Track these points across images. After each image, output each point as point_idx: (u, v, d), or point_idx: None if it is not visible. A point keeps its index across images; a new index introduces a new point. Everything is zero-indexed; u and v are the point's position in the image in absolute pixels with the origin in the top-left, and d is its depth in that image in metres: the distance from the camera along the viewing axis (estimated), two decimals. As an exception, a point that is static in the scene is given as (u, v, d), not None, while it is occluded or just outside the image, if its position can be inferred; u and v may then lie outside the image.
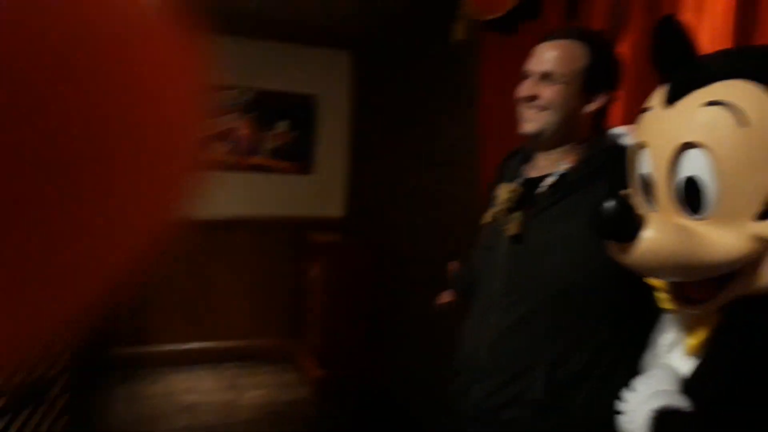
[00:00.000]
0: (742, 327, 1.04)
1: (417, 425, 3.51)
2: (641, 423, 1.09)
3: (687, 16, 1.74)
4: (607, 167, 1.35)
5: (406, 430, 3.59)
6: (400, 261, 3.90)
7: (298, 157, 4.78)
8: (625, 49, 1.90)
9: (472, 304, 1.62)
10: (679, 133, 1.03)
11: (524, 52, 2.29)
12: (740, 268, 1.01)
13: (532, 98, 1.43)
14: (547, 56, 1.43)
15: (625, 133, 1.42)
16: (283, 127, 4.74)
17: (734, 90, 0.99)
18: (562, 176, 1.43)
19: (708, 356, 1.08)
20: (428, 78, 3.51)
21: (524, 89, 1.46)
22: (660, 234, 1.03)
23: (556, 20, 2.13)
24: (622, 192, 1.15)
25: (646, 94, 1.81)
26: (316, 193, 4.82)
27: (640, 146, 1.14)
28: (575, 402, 1.37)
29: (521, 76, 1.50)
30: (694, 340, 1.12)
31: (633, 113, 1.76)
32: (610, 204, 1.06)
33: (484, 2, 2.38)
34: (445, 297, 1.91)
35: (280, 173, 4.73)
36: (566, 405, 1.38)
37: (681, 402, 1.07)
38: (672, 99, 1.06)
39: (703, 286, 1.06)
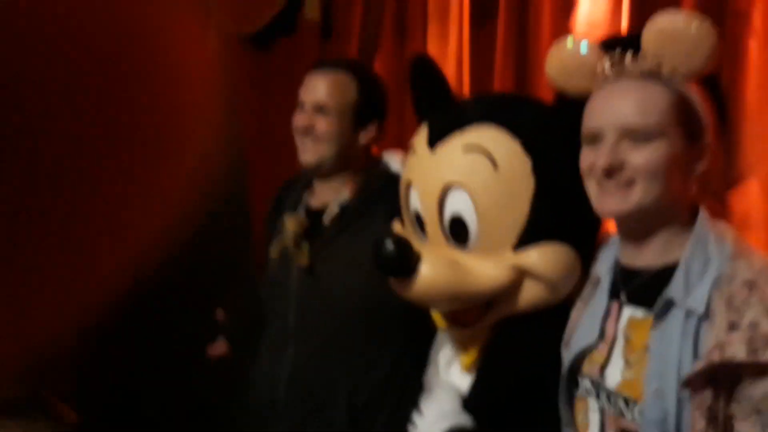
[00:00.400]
0: (508, 344, 1.18)
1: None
2: None
3: (432, 45, 1.91)
4: (384, 193, 1.43)
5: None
6: (157, 301, 3.68)
7: None
8: (379, 69, 2.02)
9: (260, 344, 1.60)
10: (443, 176, 1.13)
11: (279, 66, 2.31)
12: (503, 293, 1.13)
13: (308, 130, 1.45)
14: (319, 88, 1.46)
15: (395, 158, 1.51)
16: None
17: (486, 135, 1.11)
18: (344, 206, 1.48)
19: (481, 373, 1.20)
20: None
21: (300, 120, 1.47)
22: (434, 270, 1.12)
23: (312, 39, 2.18)
24: (397, 229, 1.23)
25: (400, 112, 1.96)
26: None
27: (409, 185, 1.22)
28: (377, 422, 1.43)
29: (297, 105, 1.51)
30: (468, 358, 1.23)
31: (391, 131, 1.90)
32: (388, 243, 1.12)
33: (237, 17, 2.34)
34: (219, 348, 1.84)
35: None
36: (369, 428, 1.43)
37: (465, 420, 1.18)
38: (433, 142, 1.16)
39: (471, 310, 1.17)
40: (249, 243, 2.64)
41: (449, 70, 1.92)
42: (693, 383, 0.84)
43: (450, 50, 1.90)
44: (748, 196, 1.38)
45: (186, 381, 3.02)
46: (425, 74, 1.24)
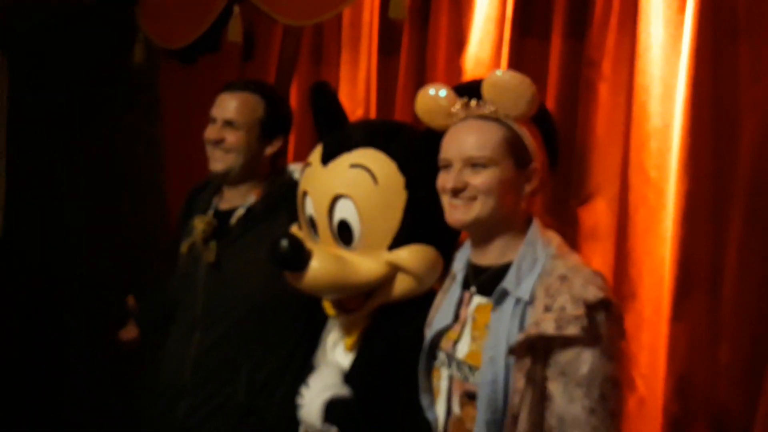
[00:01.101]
0: (383, 326, 1.40)
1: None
2: (316, 413, 1.37)
3: (344, 70, 2.12)
4: (286, 199, 1.63)
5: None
6: (71, 286, 3.69)
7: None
8: (296, 91, 2.21)
9: (169, 329, 1.75)
10: (333, 187, 1.36)
11: (204, 82, 2.47)
12: (380, 284, 1.35)
13: (219, 142, 1.64)
14: (229, 105, 1.66)
15: (298, 169, 1.71)
16: None
17: (368, 156, 1.36)
18: (249, 209, 1.66)
19: (360, 351, 1.41)
20: (105, 93, 3.42)
21: (211, 133, 1.66)
22: (323, 264, 1.34)
23: (234, 55, 2.34)
24: (292, 230, 1.43)
25: (311, 129, 2.16)
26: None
27: (305, 194, 1.43)
28: (274, 401, 1.61)
29: (210, 120, 1.68)
30: (350, 339, 1.46)
31: (301, 144, 2.10)
32: (283, 241, 1.33)
33: (164, 34, 2.49)
34: (130, 332, 1.96)
35: None
36: (266, 406, 1.61)
37: (345, 392, 1.38)
38: (326, 159, 1.39)
39: (355, 298, 1.40)
40: (162, 236, 2.77)
41: (359, 94, 2.13)
42: (516, 351, 1.08)
43: (360, 76, 2.10)
44: (596, 212, 1.63)
45: (99, 366, 3.11)
46: (323, 99, 1.47)
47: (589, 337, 1.06)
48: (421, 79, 1.97)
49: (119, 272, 3.27)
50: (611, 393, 1.09)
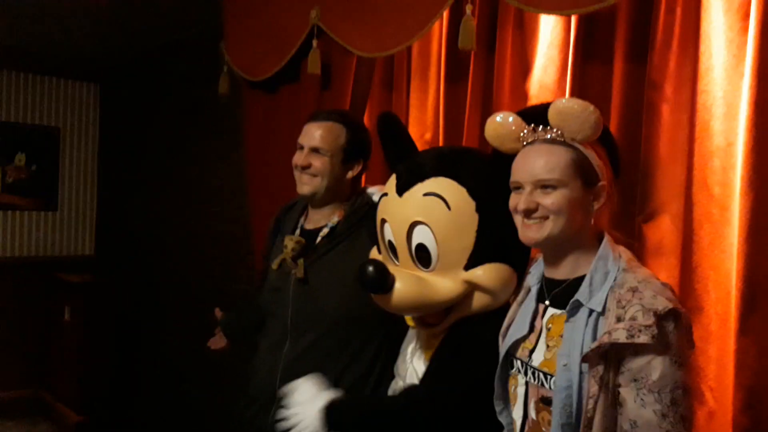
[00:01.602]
0: (460, 335, 1.50)
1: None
2: (315, 421, 1.45)
3: (414, 98, 2.24)
4: (366, 218, 1.75)
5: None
6: (162, 300, 3.93)
7: (38, 192, 4.53)
8: (369, 117, 2.35)
9: (259, 340, 1.90)
10: (410, 215, 1.48)
11: (284, 109, 2.64)
12: (458, 301, 1.45)
13: (307, 167, 1.79)
14: (315, 134, 1.80)
15: (376, 191, 1.83)
16: (19, 161, 4.45)
17: (440, 184, 1.47)
18: (333, 229, 1.80)
19: (436, 355, 1.51)
20: (194, 119, 3.66)
21: (299, 159, 1.81)
22: (406, 285, 1.46)
23: (312, 85, 2.50)
24: (375, 255, 1.55)
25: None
26: (63, 231, 4.60)
27: (383, 221, 1.54)
28: None
29: (298, 147, 1.84)
30: (429, 350, 1.55)
31: (379, 168, 2.22)
32: (370, 267, 1.45)
33: (247, 66, 2.68)
34: (218, 342, 2.13)
35: (19, 210, 4.43)
36: None
37: (336, 395, 1.49)
38: (401, 190, 1.51)
39: (435, 315, 1.51)
40: (246, 253, 2.94)
41: (428, 119, 2.24)
42: (590, 359, 1.16)
43: (429, 103, 2.22)
44: (661, 228, 1.67)
45: (186, 376, 3.30)
46: (391, 130, 1.59)
47: (659, 345, 1.13)
48: (487, 105, 2.06)
49: (208, 285, 3.49)
50: (682, 398, 1.15)
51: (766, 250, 1.48)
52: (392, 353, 1.72)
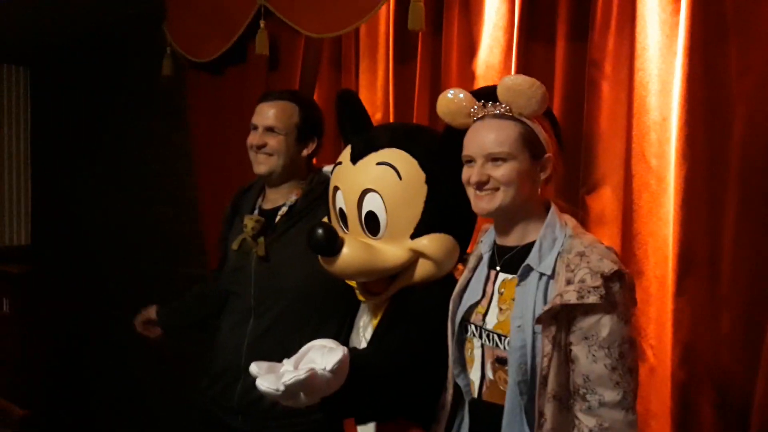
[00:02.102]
0: (403, 305, 1.55)
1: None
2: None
3: (363, 78, 2.27)
4: (323, 197, 1.78)
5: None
6: (105, 287, 3.85)
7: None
8: (318, 97, 2.36)
9: (222, 321, 1.91)
10: (362, 183, 1.52)
11: (231, 91, 2.62)
12: (402, 270, 1.52)
13: (262, 146, 1.80)
14: (269, 113, 1.82)
15: (331, 170, 1.86)
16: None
17: (393, 155, 1.51)
18: (291, 207, 1.82)
19: (380, 323, 1.57)
20: (133, 101, 3.57)
21: (255, 139, 1.81)
22: (353, 250, 1.50)
23: (260, 65, 2.49)
24: (328, 223, 1.59)
25: (336, 132, 2.29)
26: (-7, 220, 4.42)
27: (336, 189, 1.58)
28: None
29: (251, 127, 1.84)
30: (375, 320, 1.61)
31: (328, 147, 2.24)
32: (319, 230, 1.48)
33: (192, 48, 2.64)
34: (150, 329, 2.16)
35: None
36: None
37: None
38: (355, 159, 1.54)
39: (379, 283, 1.57)
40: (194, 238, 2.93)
41: (377, 99, 2.27)
42: (543, 320, 1.23)
43: (378, 83, 2.25)
44: (603, 199, 1.76)
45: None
46: (348, 105, 1.62)
47: (607, 305, 1.21)
48: (435, 84, 2.11)
49: (152, 269, 3.43)
50: (628, 352, 1.24)
51: (700, 217, 1.60)
52: (347, 328, 1.77)
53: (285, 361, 1.13)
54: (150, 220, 3.47)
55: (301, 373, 1.06)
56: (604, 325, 1.22)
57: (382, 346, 1.48)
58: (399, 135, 1.58)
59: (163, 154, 3.37)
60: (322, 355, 1.13)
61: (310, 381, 1.08)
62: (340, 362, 1.12)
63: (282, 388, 1.05)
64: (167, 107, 3.26)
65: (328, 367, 1.10)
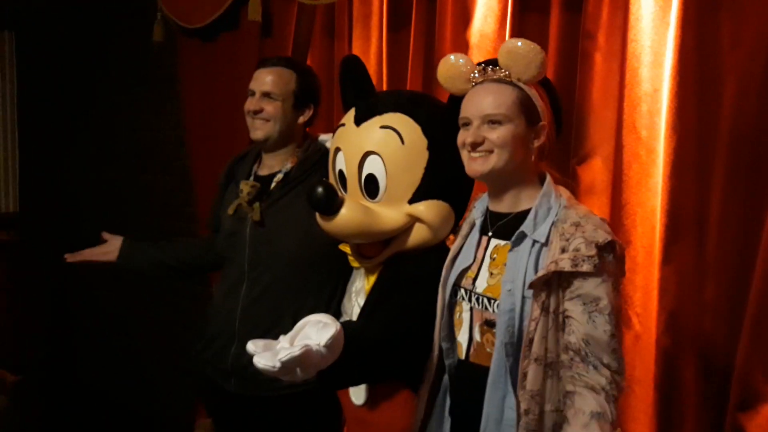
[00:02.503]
0: (396, 270, 1.57)
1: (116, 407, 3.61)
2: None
3: (356, 46, 2.26)
4: (319, 164, 1.79)
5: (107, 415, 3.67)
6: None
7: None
8: (311, 65, 2.35)
9: (219, 283, 1.93)
10: (364, 145, 1.52)
11: (223, 57, 2.60)
12: (397, 235, 1.53)
13: (259, 112, 1.80)
14: (266, 79, 1.82)
15: (328, 139, 1.87)
16: None
17: (397, 119, 1.52)
18: (287, 174, 1.83)
19: (374, 289, 1.59)
20: (123, 68, 3.53)
21: (251, 104, 1.82)
22: (352, 211, 1.51)
23: (252, 32, 2.47)
24: (328, 181, 1.60)
25: (329, 100, 2.30)
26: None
27: (337, 150, 1.59)
28: None
29: (249, 93, 1.84)
30: (368, 284, 1.63)
31: (321, 115, 2.24)
32: (319, 188, 1.50)
33: (183, 13, 2.61)
34: (99, 253, 2.05)
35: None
36: None
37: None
38: (359, 121, 1.55)
39: (374, 246, 1.58)
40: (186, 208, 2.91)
41: (371, 67, 2.25)
42: (535, 285, 1.26)
43: (372, 51, 2.24)
44: (593, 169, 1.79)
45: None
46: (354, 71, 1.62)
47: (601, 273, 1.24)
48: (429, 53, 2.12)
49: (143, 238, 3.42)
50: (619, 321, 1.28)
51: (687, 188, 1.63)
52: (341, 292, 1.79)
53: (281, 337, 1.15)
54: (141, 188, 3.46)
55: (296, 350, 1.08)
56: (601, 292, 1.25)
57: (377, 317, 1.50)
58: (404, 101, 1.58)
59: (153, 121, 3.35)
60: (317, 331, 1.15)
61: (306, 356, 1.10)
62: (334, 337, 1.14)
63: (278, 365, 1.08)
64: (158, 73, 3.23)
65: (323, 342, 1.13)
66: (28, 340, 3.97)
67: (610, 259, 1.27)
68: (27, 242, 4.13)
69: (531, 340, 1.27)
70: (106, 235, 2.10)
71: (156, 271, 2.09)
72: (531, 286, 1.27)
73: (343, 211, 1.51)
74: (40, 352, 4.00)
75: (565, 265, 1.24)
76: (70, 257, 2.04)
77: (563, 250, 1.26)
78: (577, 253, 1.24)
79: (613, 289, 1.27)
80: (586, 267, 1.23)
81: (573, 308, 1.26)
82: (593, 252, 1.23)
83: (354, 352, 1.25)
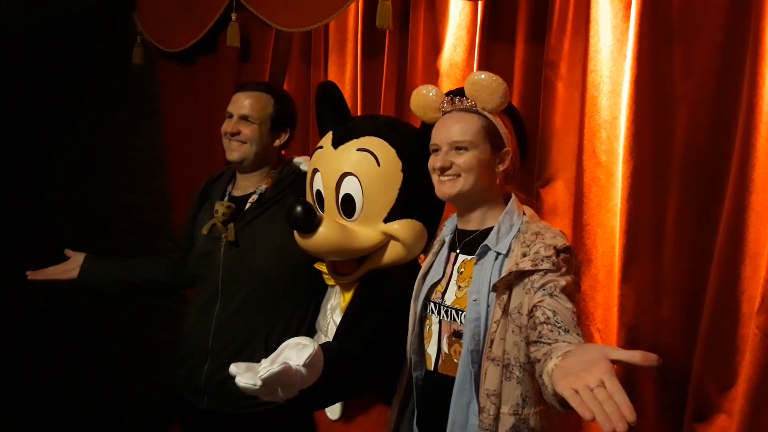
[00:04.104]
0: (369, 290, 1.64)
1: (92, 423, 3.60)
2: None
3: (331, 72, 2.34)
4: (294, 185, 1.85)
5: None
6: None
7: None
8: (288, 90, 2.42)
9: (190, 305, 1.96)
10: (342, 166, 1.60)
11: (202, 81, 2.66)
12: (372, 252, 1.61)
13: (236, 134, 1.86)
14: (244, 102, 1.88)
15: (302, 162, 1.93)
16: None
17: (373, 143, 1.60)
18: (261, 195, 1.88)
19: (349, 308, 1.65)
20: (103, 89, 3.56)
21: (229, 127, 1.87)
22: (330, 229, 1.58)
23: (231, 57, 2.54)
24: (306, 201, 1.66)
25: (305, 124, 2.36)
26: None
27: (315, 171, 1.66)
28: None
29: (227, 116, 1.90)
30: (344, 301, 1.69)
31: (297, 138, 2.31)
32: (298, 207, 1.56)
33: (163, 37, 2.67)
34: (59, 272, 2.05)
35: None
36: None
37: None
38: (336, 144, 1.62)
39: (349, 264, 1.65)
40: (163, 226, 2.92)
41: (346, 92, 2.33)
42: (497, 288, 1.33)
43: (347, 77, 2.33)
44: (556, 192, 1.87)
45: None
46: (330, 96, 1.70)
47: (559, 269, 1.32)
48: (401, 80, 2.20)
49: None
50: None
51: (644, 209, 1.72)
52: (319, 311, 1.84)
53: (263, 360, 1.19)
54: (119, 206, 3.48)
55: (275, 367, 1.13)
56: (560, 281, 1.29)
57: (356, 335, 1.55)
58: (380, 125, 1.67)
59: (133, 142, 3.38)
60: (296, 352, 1.20)
61: (285, 374, 1.15)
62: (312, 356, 1.20)
63: (259, 383, 1.12)
64: (138, 95, 3.27)
65: (301, 362, 1.18)
66: (4, 358, 3.93)
67: (567, 261, 1.34)
68: (3, 258, 4.11)
69: (492, 342, 1.34)
70: (68, 252, 2.09)
71: (118, 288, 2.09)
72: (494, 288, 1.35)
73: (321, 229, 1.57)
74: (16, 369, 3.96)
75: (526, 265, 1.32)
76: (31, 275, 2.01)
77: (524, 255, 1.35)
78: (537, 255, 1.32)
79: (573, 284, 1.33)
80: (545, 265, 1.30)
81: (536, 297, 1.27)
82: (551, 252, 1.32)
83: (334, 371, 1.30)
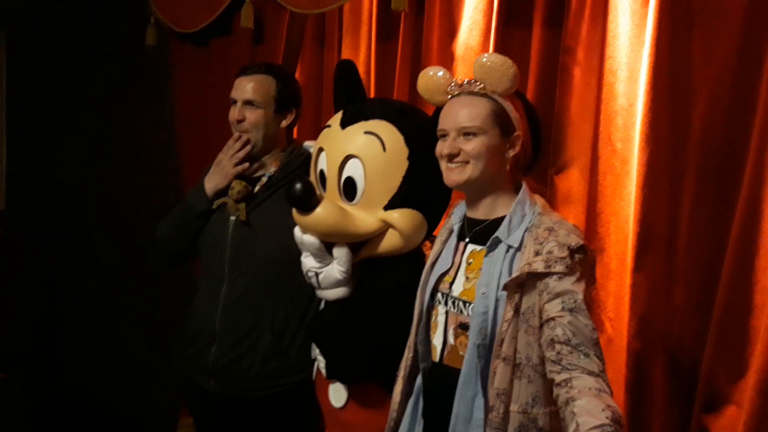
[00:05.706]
0: (368, 276, 1.63)
1: (101, 405, 3.64)
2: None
3: (345, 54, 2.32)
4: (301, 168, 1.85)
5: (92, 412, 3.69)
6: (83, 255, 3.86)
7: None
8: (301, 72, 2.41)
9: (198, 285, 1.96)
10: (347, 148, 1.58)
11: (215, 62, 2.65)
12: (371, 238, 1.59)
13: (241, 120, 1.85)
14: (246, 87, 1.87)
15: (312, 145, 1.93)
16: None
17: (382, 126, 1.57)
18: (270, 177, 1.88)
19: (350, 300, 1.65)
20: (114, 69, 3.56)
21: (234, 114, 1.87)
22: (327, 210, 1.56)
23: (244, 39, 2.52)
24: (308, 179, 1.65)
25: (317, 106, 2.35)
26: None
27: (320, 150, 1.65)
28: (295, 344, 1.83)
29: (231, 102, 1.89)
30: None
31: (309, 121, 2.30)
32: (298, 184, 1.55)
33: (176, 18, 2.66)
34: None
35: None
36: (288, 348, 1.83)
37: None
38: (344, 124, 1.60)
39: None
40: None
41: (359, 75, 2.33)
42: (509, 287, 1.32)
43: (360, 60, 2.30)
44: (570, 179, 1.85)
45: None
46: (348, 75, 1.68)
47: (574, 272, 1.30)
48: (416, 63, 2.17)
49: (132, 239, 3.45)
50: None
51: (659, 198, 1.70)
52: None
53: None
54: (131, 188, 3.49)
55: None
56: (576, 288, 1.29)
57: (356, 336, 1.57)
58: (391, 109, 1.64)
59: (145, 122, 3.38)
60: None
61: None
62: None
63: None
64: (150, 76, 3.27)
65: None
66: (13, 338, 3.98)
67: (581, 261, 1.32)
68: (13, 240, 4.14)
69: (502, 341, 1.32)
70: None
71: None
72: (505, 287, 1.32)
73: (319, 209, 1.55)
74: (24, 349, 4.00)
75: (539, 266, 1.29)
76: None
77: (537, 253, 1.32)
78: (550, 255, 1.30)
79: (586, 288, 1.32)
80: (559, 268, 1.28)
81: (552, 307, 1.28)
82: (565, 254, 1.29)
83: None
